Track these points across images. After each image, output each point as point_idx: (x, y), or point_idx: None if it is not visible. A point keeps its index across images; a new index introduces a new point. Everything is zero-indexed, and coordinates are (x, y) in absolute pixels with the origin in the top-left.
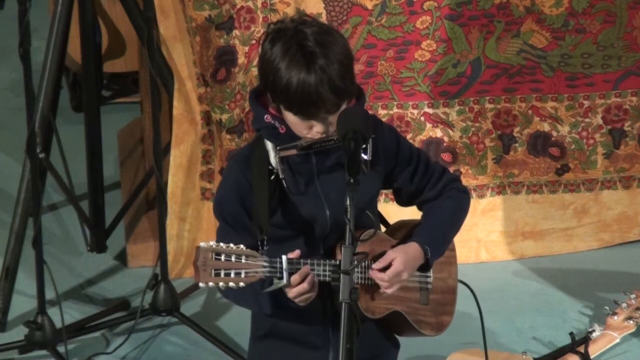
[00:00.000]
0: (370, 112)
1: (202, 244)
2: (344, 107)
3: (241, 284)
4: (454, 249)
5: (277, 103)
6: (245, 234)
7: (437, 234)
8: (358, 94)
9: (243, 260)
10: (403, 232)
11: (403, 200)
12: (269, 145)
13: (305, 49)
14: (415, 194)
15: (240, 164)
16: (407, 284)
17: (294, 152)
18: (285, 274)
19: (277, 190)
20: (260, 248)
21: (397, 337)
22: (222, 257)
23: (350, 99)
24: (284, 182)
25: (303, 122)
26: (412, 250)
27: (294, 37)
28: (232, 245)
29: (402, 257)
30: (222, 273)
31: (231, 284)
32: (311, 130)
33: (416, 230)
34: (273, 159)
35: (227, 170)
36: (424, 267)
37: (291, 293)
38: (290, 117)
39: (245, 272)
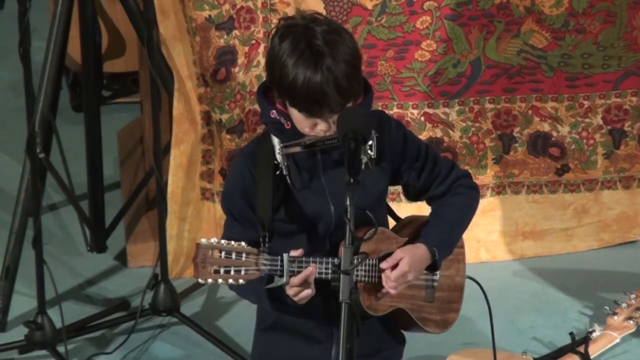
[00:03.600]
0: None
1: (202, 240)
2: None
3: (240, 281)
4: (462, 246)
5: (283, 99)
6: (250, 228)
7: (444, 234)
8: (365, 90)
9: (243, 258)
10: (412, 229)
11: (411, 195)
12: (275, 140)
13: (313, 47)
14: (424, 190)
15: (246, 158)
16: (413, 282)
17: (297, 149)
18: (286, 273)
19: (281, 186)
20: (262, 245)
21: (403, 332)
22: (222, 254)
23: (356, 99)
24: (288, 178)
25: (307, 119)
26: (419, 252)
27: (303, 34)
28: (232, 242)
29: (408, 259)
30: (222, 270)
31: (230, 281)
32: (315, 128)
33: (424, 230)
34: (278, 154)
35: (233, 164)
36: (432, 267)
37: (291, 291)
38: (295, 114)
39: (245, 270)
